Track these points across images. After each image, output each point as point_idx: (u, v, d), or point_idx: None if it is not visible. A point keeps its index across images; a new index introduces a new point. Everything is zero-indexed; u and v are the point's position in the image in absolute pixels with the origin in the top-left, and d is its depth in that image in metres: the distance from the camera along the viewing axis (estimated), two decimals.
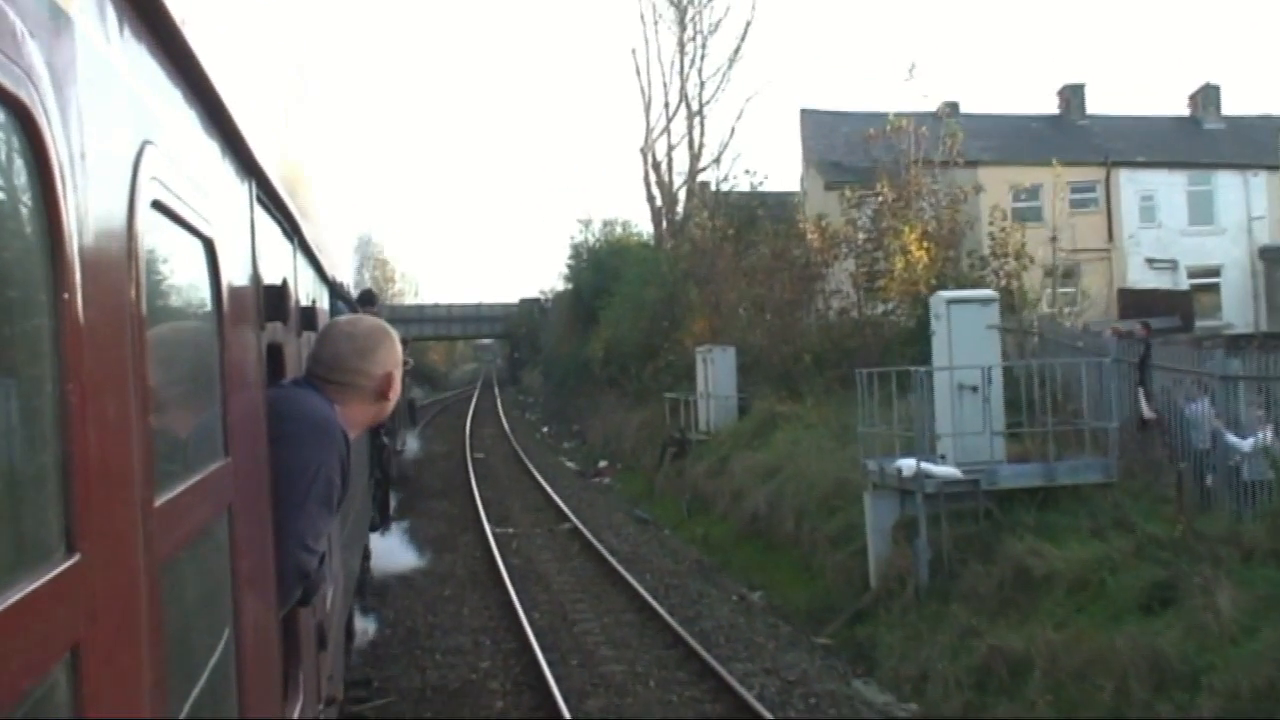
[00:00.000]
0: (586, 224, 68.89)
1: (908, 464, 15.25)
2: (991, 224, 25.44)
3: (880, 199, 27.35)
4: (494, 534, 23.62)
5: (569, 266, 70.56)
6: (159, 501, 1.73)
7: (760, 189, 42.76)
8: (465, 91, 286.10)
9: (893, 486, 15.89)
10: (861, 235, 27.44)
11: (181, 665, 1.97)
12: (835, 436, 21.63)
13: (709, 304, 34.13)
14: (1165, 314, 32.79)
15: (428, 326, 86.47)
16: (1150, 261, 41.59)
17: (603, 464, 36.01)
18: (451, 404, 71.78)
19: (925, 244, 25.85)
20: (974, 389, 15.65)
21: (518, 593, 17.90)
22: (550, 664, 14.00)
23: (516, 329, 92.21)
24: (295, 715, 3.48)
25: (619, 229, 63.45)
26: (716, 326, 32.33)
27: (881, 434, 16.97)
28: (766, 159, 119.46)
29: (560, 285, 78.07)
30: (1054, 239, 28.23)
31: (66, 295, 1.33)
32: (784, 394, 25.96)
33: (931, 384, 15.86)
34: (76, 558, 1.31)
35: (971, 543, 14.88)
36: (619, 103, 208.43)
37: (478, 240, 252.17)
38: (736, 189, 45.16)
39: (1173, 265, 41.83)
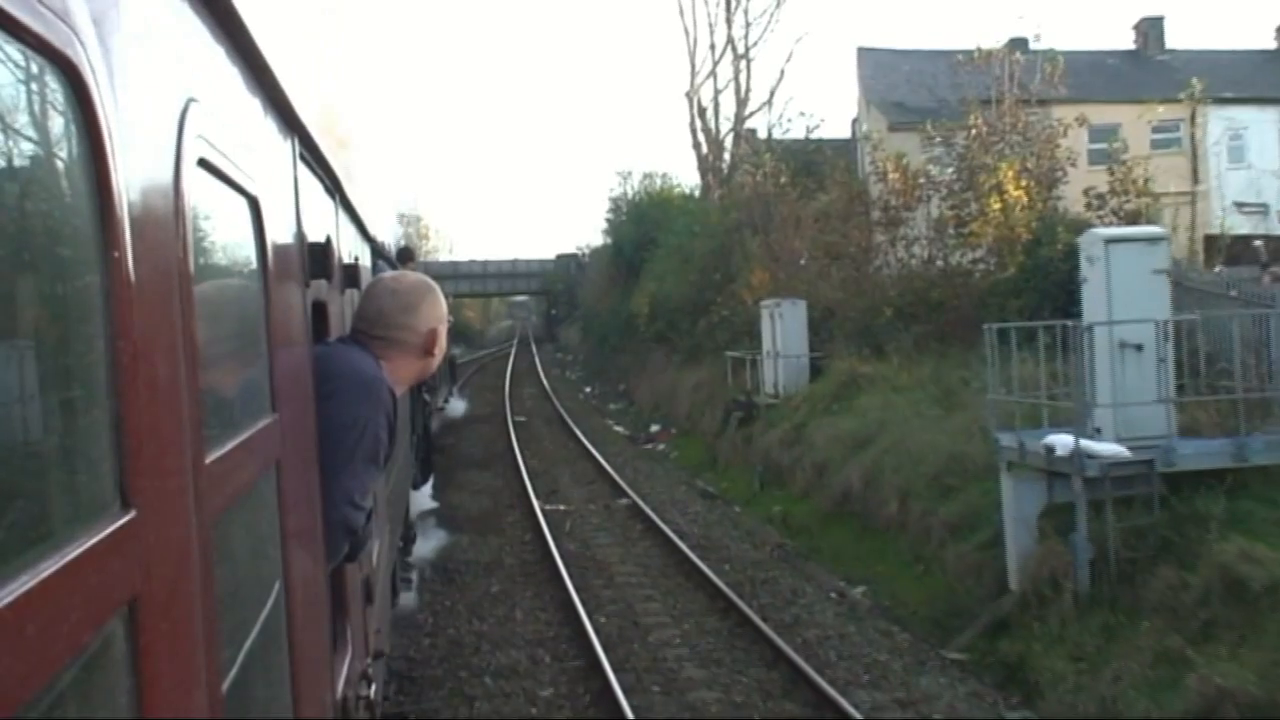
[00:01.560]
0: (625, 177, 66.27)
1: (1062, 441, 12.23)
2: (1111, 156, 22.29)
3: (972, 132, 24.09)
4: (543, 511, 20.82)
5: (608, 220, 68.03)
6: (209, 458, 1.73)
7: (815, 132, 39.62)
8: (501, 40, 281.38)
9: (1037, 467, 12.90)
10: (949, 172, 24.19)
11: (234, 618, 1.99)
12: (935, 402, 18.64)
13: (769, 254, 31.04)
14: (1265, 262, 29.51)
15: (463, 283, 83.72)
16: (1239, 205, 38.10)
17: (655, 428, 33.09)
18: (489, 363, 68.92)
19: (1023, 182, 22.70)
20: (1138, 348, 12.61)
21: (578, 589, 15.08)
22: (627, 691, 11.19)
23: (553, 285, 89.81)
24: (344, 668, 3.46)
25: (659, 181, 60.34)
26: (780, 279, 29.24)
27: (1016, 402, 13.95)
28: (817, 103, 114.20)
29: (598, 240, 75.99)
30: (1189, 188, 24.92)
31: (116, 253, 1.32)
32: (865, 352, 22.94)
33: (1087, 342, 12.75)
34: (131, 514, 1.32)
35: (1144, 538, 11.90)
36: (662, 48, 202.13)
37: (513, 196, 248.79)
38: (790, 133, 42.18)
39: (1264, 209, 38.36)
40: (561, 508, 21.89)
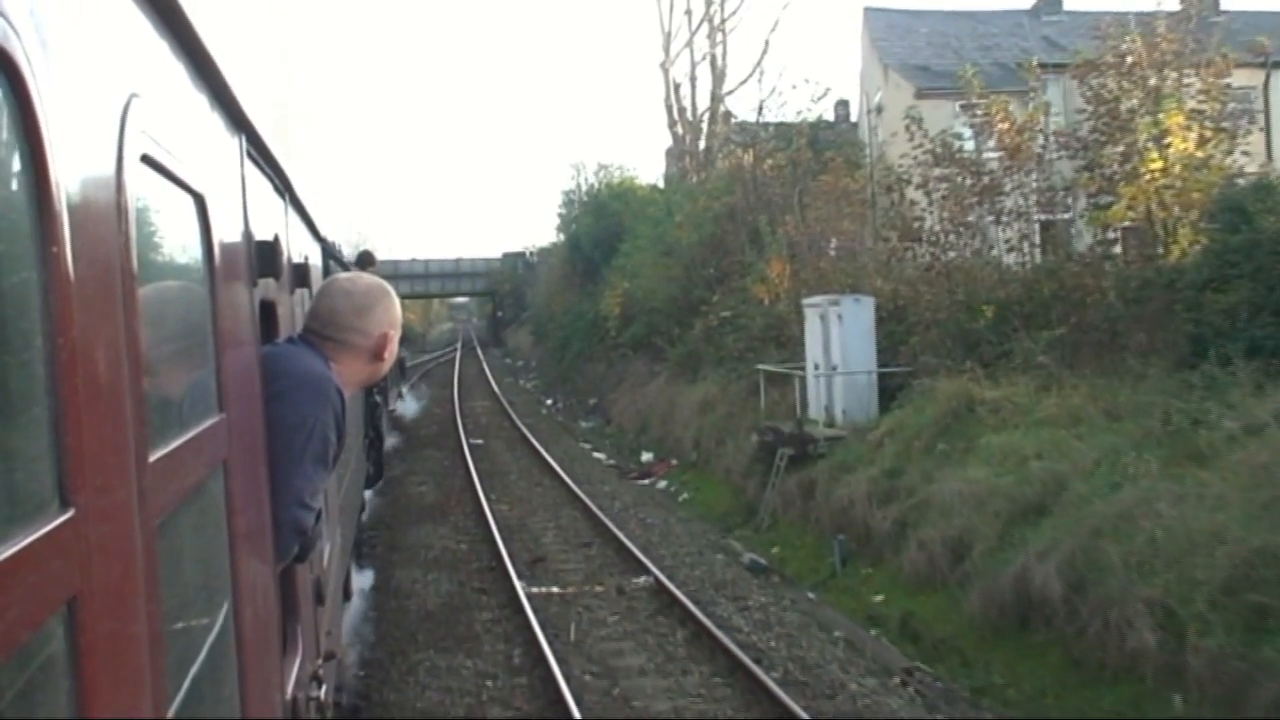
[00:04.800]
0: (579, 169, 59.98)
1: None
2: None
3: (1128, 60, 17.24)
4: (530, 599, 13.94)
5: (560, 216, 61.69)
6: (153, 457, 1.66)
7: (821, 102, 32.91)
8: (441, 19, 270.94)
9: None
10: (1083, 119, 17.32)
11: (180, 620, 1.92)
12: (1143, 446, 11.88)
13: (800, 240, 24.24)
14: None
15: (403, 284, 75.80)
16: None
17: (647, 457, 26.10)
18: (433, 370, 61.31)
19: (1202, 128, 16.03)
20: None
21: None
22: None
23: (500, 285, 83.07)
24: (294, 669, 3.33)
25: (617, 172, 53.56)
26: (820, 269, 22.37)
27: None
28: (812, 75, 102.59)
29: (547, 241, 69.98)
30: None
31: (55, 249, 1.27)
32: (970, 367, 16.14)
33: None
34: (71, 512, 1.27)
35: None
36: (628, 23, 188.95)
37: (456, 193, 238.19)
38: (785, 106, 35.68)
39: None
40: (555, 590, 14.92)
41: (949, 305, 17.57)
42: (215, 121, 2.53)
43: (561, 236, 61.86)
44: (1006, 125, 17.74)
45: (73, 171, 1.34)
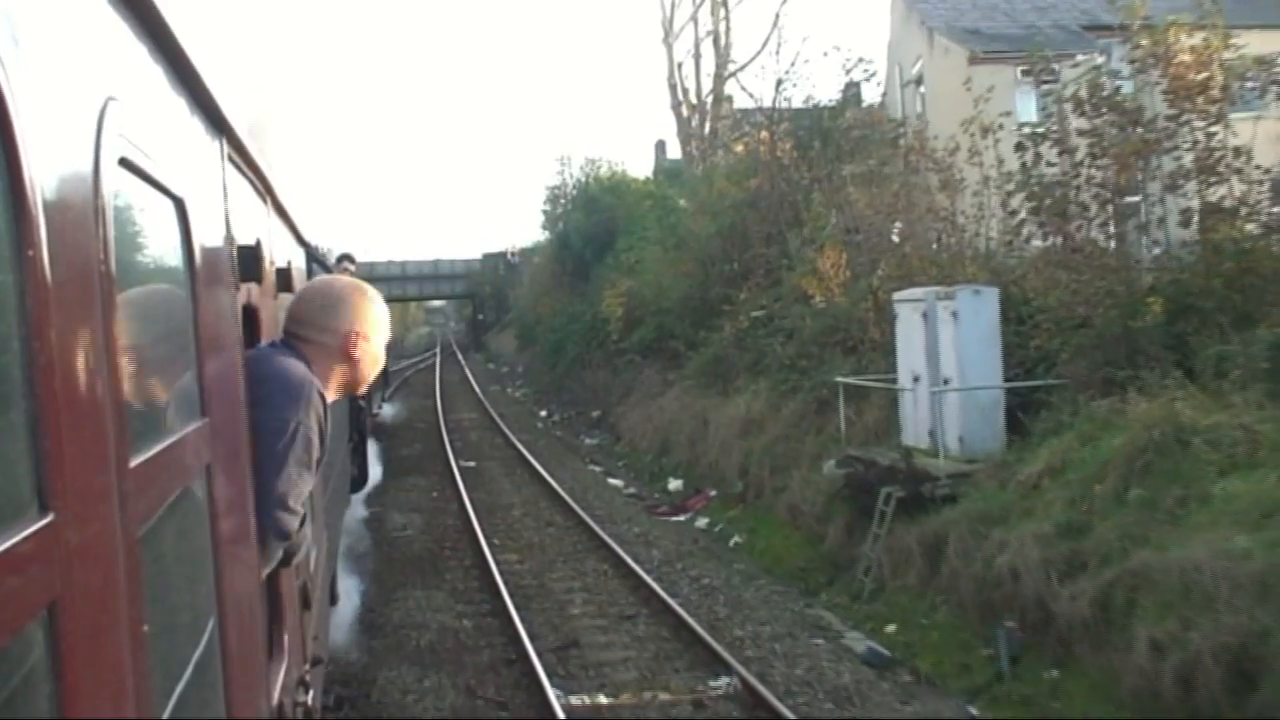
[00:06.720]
0: (565, 163, 55.70)
1: None
2: None
3: None
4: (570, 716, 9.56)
5: (545, 213, 57.40)
6: (134, 462, 1.61)
7: (854, 71, 28.38)
8: (420, 14, 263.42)
9: None
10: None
11: (164, 625, 1.85)
12: None
13: (865, 223, 19.82)
14: None
15: (380, 286, 67.17)
16: None
17: (675, 485, 21.56)
18: (411, 377, 56.50)
19: None
20: None
21: None
22: None
23: (480, 287, 78.49)
24: (280, 675, 3.21)
25: (605, 167, 49.13)
26: (907, 257, 17.91)
27: None
28: (826, 50, 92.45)
29: (530, 240, 65.85)
30: None
31: (31, 252, 1.22)
32: (1163, 382, 11.73)
33: None
34: (50, 517, 1.22)
35: None
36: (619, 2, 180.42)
37: (433, 193, 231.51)
38: (809, 80, 31.34)
39: None
40: (604, 702, 10.47)
41: (1101, 298, 13.14)
42: (195, 124, 2.43)
43: (547, 234, 57.58)
44: (1188, 58, 13.32)
45: (49, 175, 1.30)
